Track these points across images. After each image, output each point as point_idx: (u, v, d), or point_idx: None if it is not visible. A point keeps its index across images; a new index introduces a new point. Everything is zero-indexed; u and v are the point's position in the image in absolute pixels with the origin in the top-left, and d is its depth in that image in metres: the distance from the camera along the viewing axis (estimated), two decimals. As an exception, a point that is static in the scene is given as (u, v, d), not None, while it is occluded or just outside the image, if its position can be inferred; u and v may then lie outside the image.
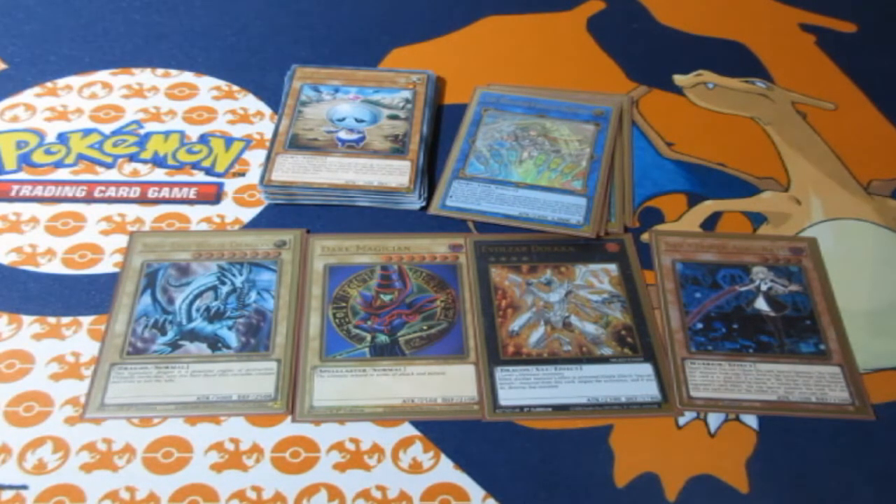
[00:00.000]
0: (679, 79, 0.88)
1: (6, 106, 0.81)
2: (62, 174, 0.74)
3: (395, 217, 0.73)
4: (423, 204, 0.73)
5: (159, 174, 0.75)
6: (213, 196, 0.73)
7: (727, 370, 0.62)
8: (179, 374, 0.60)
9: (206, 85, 0.84)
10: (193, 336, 0.63)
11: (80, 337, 0.63)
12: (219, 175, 0.75)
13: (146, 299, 0.65)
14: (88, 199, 0.72)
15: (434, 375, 0.61)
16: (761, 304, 0.66)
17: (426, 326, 0.64)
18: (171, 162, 0.76)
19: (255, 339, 0.63)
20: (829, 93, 0.86)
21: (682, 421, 0.59)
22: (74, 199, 0.72)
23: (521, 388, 0.60)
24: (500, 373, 0.61)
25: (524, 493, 0.56)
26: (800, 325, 0.65)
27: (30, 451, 0.56)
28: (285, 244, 0.69)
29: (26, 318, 0.64)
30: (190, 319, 0.64)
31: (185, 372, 0.60)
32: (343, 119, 0.79)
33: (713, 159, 0.79)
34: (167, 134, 0.79)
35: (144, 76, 0.85)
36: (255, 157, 0.77)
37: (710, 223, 0.73)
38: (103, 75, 0.85)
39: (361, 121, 0.79)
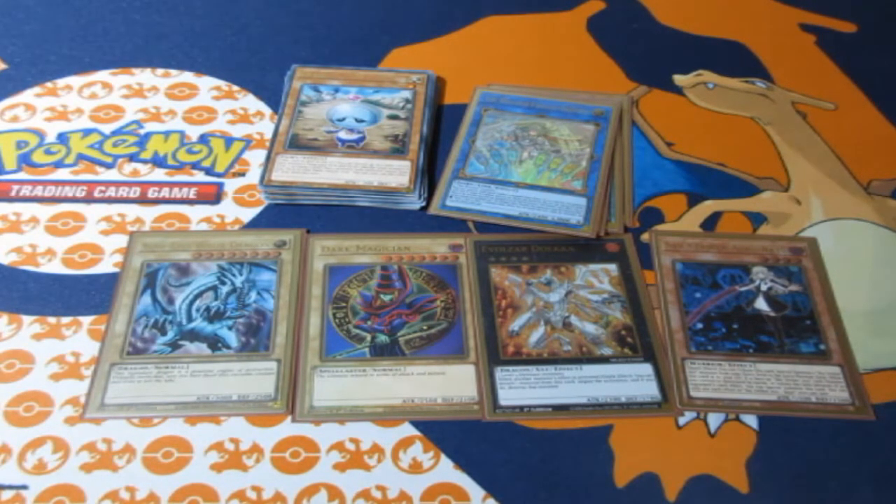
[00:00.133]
0: (679, 79, 0.88)
1: (6, 106, 0.81)
2: (62, 174, 0.74)
3: (395, 217, 0.73)
4: (423, 204, 0.73)
5: (159, 174, 0.75)
6: (213, 196, 0.73)
7: (727, 370, 0.62)
8: (179, 374, 0.60)
9: (206, 85, 0.84)
10: (193, 336, 0.63)
11: (80, 337, 0.63)
12: (219, 175, 0.75)
13: (146, 299, 0.65)
14: (88, 199, 0.72)
15: (434, 375, 0.61)
16: (761, 304, 0.66)
17: (426, 326, 0.64)
18: (171, 162, 0.76)
19: (255, 339, 0.63)
20: (829, 93, 0.86)
21: (682, 421, 0.59)
22: (74, 199, 0.72)
23: (521, 388, 0.60)
24: (500, 373, 0.61)
25: (524, 493, 0.56)
26: (800, 325, 0.65)
27: (30, 451, 0.56)
28: (285, 244, 0.69)
29: (26, 318, 0.64)
30: (190, 319, 0.64)
31: (185, 372, 0.60)
32: (343, 119, 0.79)
33: (713, 159, 0.79)
34: (167, 134, 0.79)
35: (144, 76, 0.85)
36: (255, 157, 0.77)
37: (710, 223, 0.73)
38: (103, 75, 0.85)
39: (361, 121, 0.79)
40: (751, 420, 0.60)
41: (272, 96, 0.83)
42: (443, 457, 0.57)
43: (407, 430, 0.58)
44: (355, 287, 0.66)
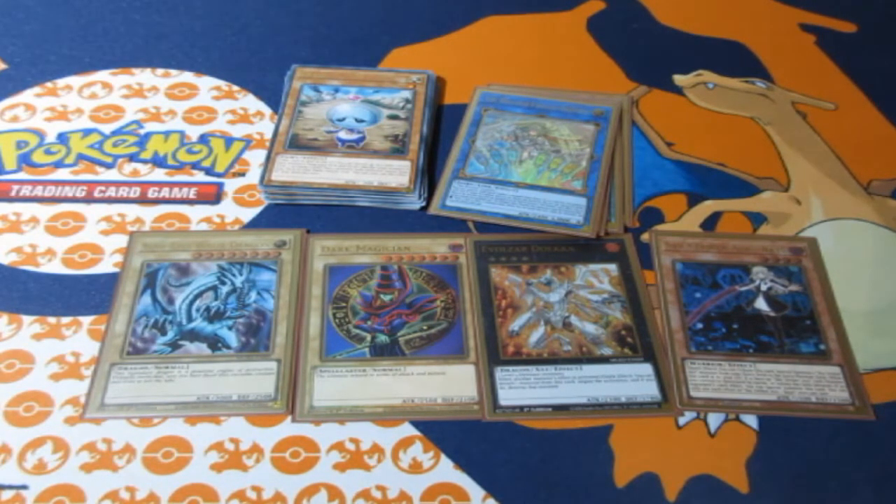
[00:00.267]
0: (679, 79, 0.88)
1: (6, 106, 0.81)
2: (62, 174, 0.74)
3: (395, 217, 0.73)
4: (423, 204, 0.73)
5: (159, 174, 0.75)
6: (213, 196, 0.73)
7: (727, 370, 0.62)
8: (179, 374, 0.60)
9: (206, 85, 0.84)
10: (193, 336, 0.63)
11: (80, 337, 0.63)
12: (219, 175, 0.75)
13: (146, 299, 0.65)
14: (88, 199, 0.72)
15: (434, 375, 0.61)
16: (761, 304, 0.66)
17: (426, 326, 0.64)
18: (171, 162, 0.76)
19: (255, 339, 0.63)
20: (829, 93, 0.86)
21: (682, 421, 0.59)
22: (74, 199, 0.72)
23: (521, 388, 0.60)
24: (500, 373, 0.61)
25: (524, 493, 0.56)
26: (800, 325, 0.65)
27: (30, 451, 0.56)
28: (285, 244, 0.69)
29: (26, 318, 0.64)
30: (190, 319, 0.64)
31: (185, 372, 0.60)
32: (343, 119, 0.79)
33: (713, 159, 0.79)
34: (167, 134, 0.79)
35: (144, 76, 0.85)
36: (255, 157, 0.77)
37: (710, 223, 0.73)
38: (103, 75, 0.85)
39: (361, 121, 0.79)
40: (751, 420, 0.60)
41: (272, 96, 0.83)
42: (443, 457, 0.57)
43: (407, 430, 0.58)
44: (355, 287, 0.66)
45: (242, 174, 0.75)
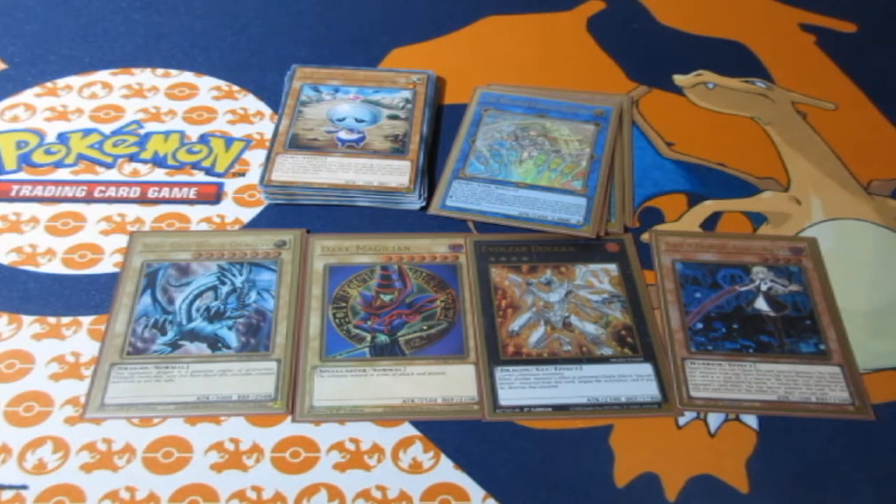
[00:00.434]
0: (679, 79, 0.88)
1: (6, 106, 0.81)
2: (62, 174, 0.74)
3: (395, 217, 0.73)
4: (423, 204, 0.73)
5: (159, 174, 0.75)
6: (213, 196, 0.73)
7: (727, 370, 0.62)
8: (179, 374, 0.60)
9: (206, 85, 0.84)
10: (193, 336, 0.63)
11: (80, 337, 0.63)
12: (219, 175, 0.75)
13: (146, 299, 0.65)
14: (88, 199, 0.72)
15: (434, 375, 0.61)
16: (761, 304, 0.66)
17: (426, 326, 0.64)
18: (171, 162, 0.76)
19: (255, 339, 0.63)
20: (829, 93, 0.86)
21: (682, 421, 0.59)
22: (74, 199, 0.72)
23: (521, 388, 0.60)
24: (500, 373, 0.61)
25: (524, 493, 0.56)
26: (800, 325, 0.65)
27: (30, 451, 0.56)
28: (285, 244, 0.69)
29: (26, 318, 0.64)
30: (190, 319, 0.64)
31: (185, 372, 0.60)
32: (343, 119, 0.79)
33: (713, 159, 0.79)
34: (167, 134, 0.79)
35: (144, 76, 0.85)
36: (255, 157, 0.77)
37: (710, 223, 0.73)
38: (103, 75, 0.85)
39: (361, 121, 0.79)
40: (751, 420, 0.60)
41: (272, 96, 0.83)
42: (443, 457, 0.57)
43: (407, 430, 0.58)
44: (355, 287, 0.66)
45: (242, 174, 0.75)
